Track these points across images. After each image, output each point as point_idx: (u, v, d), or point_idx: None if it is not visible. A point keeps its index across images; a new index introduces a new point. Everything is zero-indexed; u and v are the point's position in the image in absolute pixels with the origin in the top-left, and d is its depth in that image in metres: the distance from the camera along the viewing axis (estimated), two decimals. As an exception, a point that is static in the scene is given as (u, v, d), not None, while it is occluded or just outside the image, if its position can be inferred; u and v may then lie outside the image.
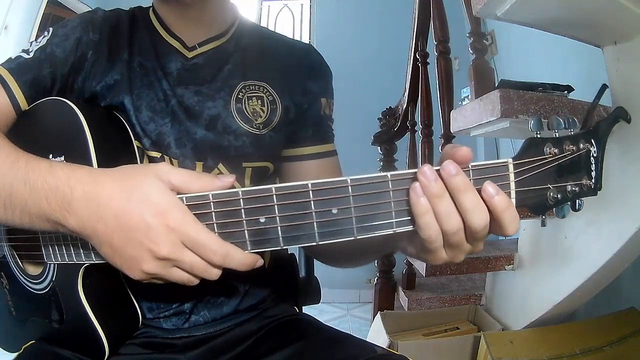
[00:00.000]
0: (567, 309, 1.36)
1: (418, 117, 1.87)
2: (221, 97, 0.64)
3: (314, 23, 3.20)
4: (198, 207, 0.42)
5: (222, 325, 0.66)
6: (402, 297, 1.77)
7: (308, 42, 0.76)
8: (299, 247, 0.84)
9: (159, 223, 0.40)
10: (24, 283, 0.62)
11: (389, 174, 0.40)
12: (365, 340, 0.64)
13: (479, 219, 0.39)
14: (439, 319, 1.63)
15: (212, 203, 0.42)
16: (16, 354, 0.62)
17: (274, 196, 0.40)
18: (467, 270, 1.50)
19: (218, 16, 0.68)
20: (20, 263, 0.63)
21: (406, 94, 1.99)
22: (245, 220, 0.41)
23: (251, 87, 0.66)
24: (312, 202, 0.40)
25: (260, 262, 0.43)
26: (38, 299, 0.60)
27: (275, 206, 0.40)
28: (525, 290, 1.44)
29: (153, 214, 0.40)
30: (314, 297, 0.85)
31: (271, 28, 3.26)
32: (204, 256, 0.41)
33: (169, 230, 0.40)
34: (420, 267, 1.50)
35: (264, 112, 0.65)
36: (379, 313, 1.66)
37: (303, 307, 0.83)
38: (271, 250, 0.74)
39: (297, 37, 3.28)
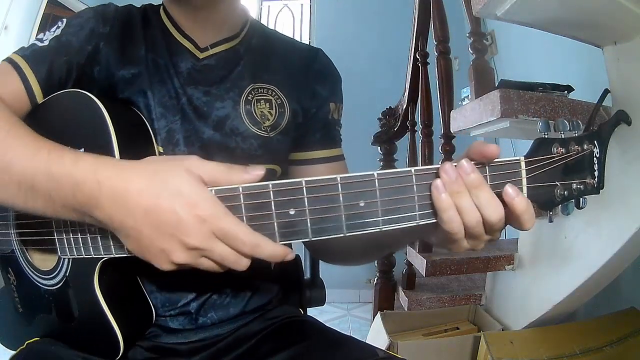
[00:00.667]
0: (567, 309, 1.36)
1: (418, 117, 1.87)
2: (230, 97, 0.64)
3: (314, 23, 3.20)
4: (228, 200, 0.42)
5: (228, 326, 0.66)
6: (402, 297, 1.77)
7: (317, 47, 0.75)
8: (304, 249, 0.84)
9: (190, 214, 0.40)
10: (34, 279, 0.62)
11: (412, 169, 0.42)
12: (367, 343, 0.64)
13: (494, 212, 0.42)
14: (439, 319, 1.63)
15: (241, 195, 0.42)
16: (18, 349, 0.62)
17: (304, 189, 0.41)
18: (467, 270, 1.50)
19: (229, 18, 0.68)
20: (29, 258, 0.63)
21: (406, 94, 1.99)
22: (275, 212, 0.42)
23: (260, 90, 0.66)
24: (340, 195, 0.41)
25: (291, 255, 0.43)
26: (48, 295, 0.60)
27: (305, 199, 0.41)
28: (525, 290, 1.44)
29: (184, 206, 0.40)
30: (319, 298, 0.85)
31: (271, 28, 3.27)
32: (234, 247, 0.42)
33: (200, 221, 0.40)
34: (420, 267, 1.50)
35: (272, 115, 0.65)
36: (379, 313, 1.66)
37: (308, 309, 0.83)
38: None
39: (297, 37, 3.28)
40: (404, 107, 1.99)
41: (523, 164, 0.43)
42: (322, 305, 0.85)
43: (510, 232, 2.28)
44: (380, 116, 2.15)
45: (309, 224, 0.42)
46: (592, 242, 1.15)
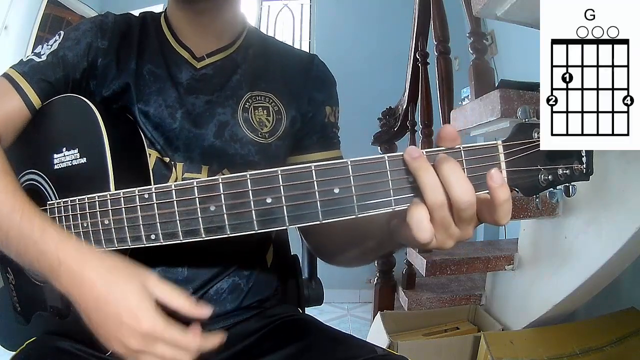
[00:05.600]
0: (567, 309, 1.36)
1: (418, 117, 1.86)
2: (229, 105, 0.65)
3: (314, 23, 3.20)
4: (208, 190, 0.44)
5: (224, 322, 0.67)
6: (402, 297, 1.77)
7: (313, 53, 0.77)
8: (302, 248, 0.84)
9: (131, 325, 0.44)
10: (31, 276, 0.62)
11: (386, 155, 0.42)
12: (366, 341, 0.65)
13: (464, 193, 0.39)
14: (439, 319, 1.63)
15: (221, 185, 0.43)
16: (18, 350, 0.62)
17: (280, 177, 0.42)
18: (467, 270, 1.50)
19: (229, 25, 0.69)
20: None
21: (406, 94, 1.99)
22: (253, 200, 0.43)
23: (257, 98, 0.67)
24: (315, 182, 0.42)
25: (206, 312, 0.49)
26: (45, 292, 0.60)
27: (281, 187, 0.42)
28: (525, 290, 1.44)
29: (127, 316, 0.44)
30: (317, 299, 0.85)
31: (271, 28, 3.27)
32: (175, 346, 0.46)
33: (140, 335, 0.44)
34: (420, 267, 1.50)
35: (269, 122, 0.67)
36: (379, 313, 1.66)
37: (305, 308, 0.83)
38: (274, 249, 0.75)
39: (297, 37, 3.28)
40: (404, 107, 1.99)
41: (501, 148, 0.41)
42: (320, 304, 0.85)
43: (511, 232, 2.28)
44: (380, 116, 2.15)
45: (285, 212, 0.43)
46: (592, 242, 1.15)
